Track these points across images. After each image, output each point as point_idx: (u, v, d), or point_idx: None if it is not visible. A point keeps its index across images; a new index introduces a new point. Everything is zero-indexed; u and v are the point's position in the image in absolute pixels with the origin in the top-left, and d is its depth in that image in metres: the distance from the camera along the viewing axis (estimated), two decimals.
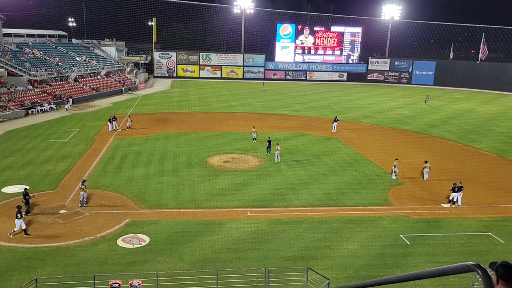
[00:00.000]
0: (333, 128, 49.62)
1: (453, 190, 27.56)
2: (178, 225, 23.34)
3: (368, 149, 41.77)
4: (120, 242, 21.10)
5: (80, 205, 25.22)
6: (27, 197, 24.25)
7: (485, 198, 29.49)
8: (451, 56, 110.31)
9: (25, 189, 25.35)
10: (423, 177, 32.58)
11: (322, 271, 19.10)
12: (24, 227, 21.74)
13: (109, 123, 45.74)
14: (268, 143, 38.85)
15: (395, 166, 32.86)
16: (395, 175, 32.65)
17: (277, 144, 37.38)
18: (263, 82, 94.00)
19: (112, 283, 15.44)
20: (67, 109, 57.61)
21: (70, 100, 60.56)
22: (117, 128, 45.61)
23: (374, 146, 43.19)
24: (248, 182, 30.80)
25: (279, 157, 36.31)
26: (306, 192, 29.29)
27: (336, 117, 51.34)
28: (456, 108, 72.10)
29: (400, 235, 23.08)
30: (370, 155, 39.50)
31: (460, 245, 22.49)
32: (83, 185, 25.55)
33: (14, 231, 21.50)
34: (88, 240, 21.23)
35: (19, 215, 21.51)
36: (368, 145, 43.27)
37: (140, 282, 15.73)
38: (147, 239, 21.51)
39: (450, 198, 27.83)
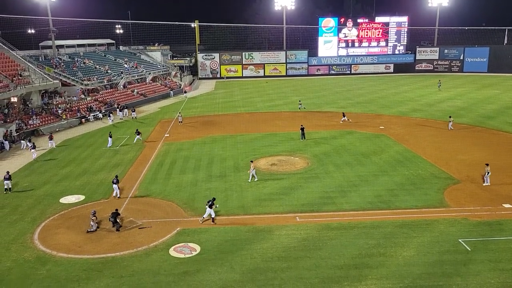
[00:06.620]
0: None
1: None
2: (228, 233, 23.38)
3: (420, 145, 40.14)
4: (172, 252, 21.41)
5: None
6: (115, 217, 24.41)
7: None
8: (505, 41, 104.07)
9: (116, 209, 25.12)
10: (484, 182, 29.75)
11: (377, 281, 18.54)
12: (213, 215, 24.59)
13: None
14: (301, 131, 43.39)
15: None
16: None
17: (251, 162, 32.93)
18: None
19: None
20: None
21: (125, 110, 61.20)
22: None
23: (425, 142, 41.46)
24: (296, 186, 30.41)
25: (255, 175, 31.72)
26: (356, 195, 28.51)
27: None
28: None
29: (460, 240, 21.88)
30: (422, 152, 37.93)
31: None
32: (94, 216, 24.44)
33: (203, 218, 24.78)
34: (142, 250, 21.70)
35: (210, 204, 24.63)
36: (420, 142, 41.59)
37: None
38: (198, 248, 21.69)
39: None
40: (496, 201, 26.88)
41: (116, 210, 24.96)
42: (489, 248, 21.10)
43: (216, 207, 25.18)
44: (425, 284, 18.23)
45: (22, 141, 44.24)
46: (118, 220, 24.30)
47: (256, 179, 31.58)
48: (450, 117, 48.23)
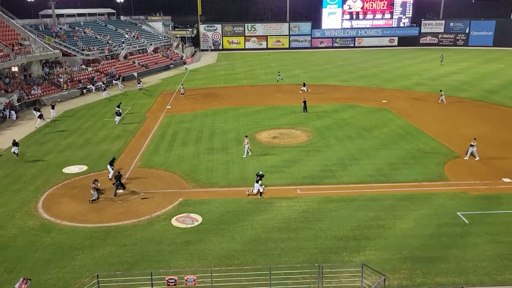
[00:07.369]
0: None
1: None
2: (229, 204, 23.68)
3: (422, 120, 40.08)
4: (174, 222, 21.75)
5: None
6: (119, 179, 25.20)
7: None
8: None
9: (119, 172, 26.21)
10: (467, 156, 29.56)
11: (375, 252, 18.87)
12: (261, 189, 24.60)
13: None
14: (303, 104, 43.38)
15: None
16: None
17: (246, 136, 32.33)
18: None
19: (168, 279, 15.85)
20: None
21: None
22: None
23: (428, 116, 41.38)
24: (297, 159, 30.57)
25: (249, 151, 31.43)
26: (357, 168, 28.68)
27: None
28: None
29: (458, 213, 22.14)
30: (424, 126, 37.91)
31: None
32: (94, 183, 24.56)
33: (252, 192, 24.78)
34: (144, 219, 22.05)
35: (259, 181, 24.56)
36: (422, 116, 41.51)
37: (195, 278, 16.01)
38: (199, 219, 22.03)
39: None
40: (495, 175, 27.06)
41: (119, 172, 25.85)
42: (487, 221, 21.39)
43: (259, 183, 24.65)
44: (422, 255, 18.57)
45: (33, 112, 43.46)
46: (122, 182, 25.20)
47: (250, 154, 31.49)
48: (441, 91, 48.20)
